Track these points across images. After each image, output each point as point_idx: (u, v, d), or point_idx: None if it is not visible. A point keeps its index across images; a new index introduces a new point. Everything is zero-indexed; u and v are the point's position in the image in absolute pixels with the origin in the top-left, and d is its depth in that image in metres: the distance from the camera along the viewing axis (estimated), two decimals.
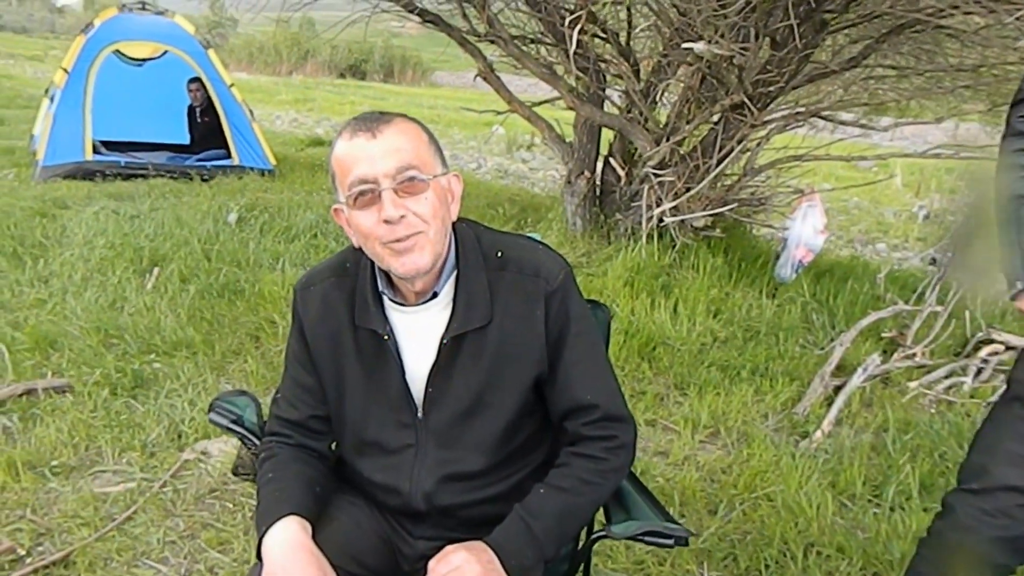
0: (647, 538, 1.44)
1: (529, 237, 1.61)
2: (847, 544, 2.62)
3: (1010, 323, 4.42)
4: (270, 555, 1.37)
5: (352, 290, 1.51)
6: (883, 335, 4.34)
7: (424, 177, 1.38)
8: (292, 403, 1.58)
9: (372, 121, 1.39)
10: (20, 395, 3.32)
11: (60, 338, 3.83)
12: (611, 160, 5.40)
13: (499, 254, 1.48)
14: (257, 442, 1.63)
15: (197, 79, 8.07)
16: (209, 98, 8.03)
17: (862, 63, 4.72)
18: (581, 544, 1.62)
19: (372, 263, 1.48)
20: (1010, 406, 1.74)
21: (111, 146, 7.81)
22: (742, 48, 4.16)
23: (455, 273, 1.47)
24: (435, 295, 1.47)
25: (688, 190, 4.79)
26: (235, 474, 1.79)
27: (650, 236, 4.89)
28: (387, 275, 1.48)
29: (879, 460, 3.24)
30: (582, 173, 5.36)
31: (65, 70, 7.58)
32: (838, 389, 3.78)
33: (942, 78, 4.87)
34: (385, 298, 1.49)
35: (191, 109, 8.42)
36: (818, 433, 3.42)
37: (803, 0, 3.82)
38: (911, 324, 4.34)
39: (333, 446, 1.63)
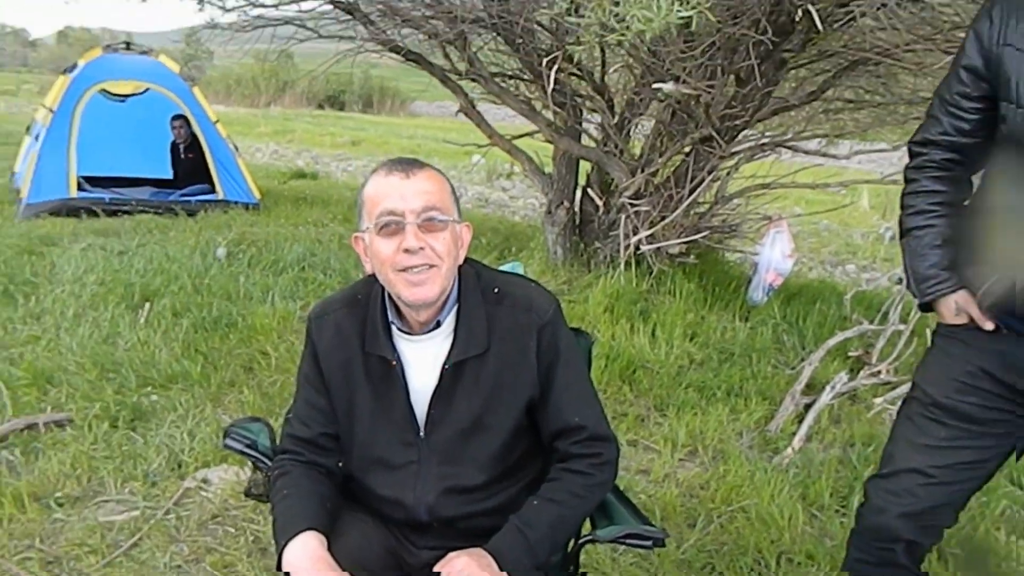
0: (628, 540, 1.61)
1: (521, 276, 1.79)
2: (816, 551, 2.79)
3: None
4: (294, 566, 1.51)
5: (363, 319, 1.68)
6: (850, 354, 4.49)
7: (444, 219, 1.58)
8: (304, 422, 1.73)
9: (407, 164, 1.60)
10: (21, 430, 3.37)
11: (57, 373, 3.89)
12: (589, 191, 5.57)
13: (496, 290, 1.67)
14: (271, 464, 1.77)
15: (181, 116, 8.19)
16: (193, 134, 8.14)
17: (821, 96, 4.95)
18: (570, 548, 1.78)
19: (383, 295, 1.66)
20: (910, 404, 1.97)
21: (94, 182, 7.86)
22: (708, 86, 4.37)
23: (456, 306, 1.65)
24: (439, 324, 1.64)
25: (663, 219, 4.96)
26: (247, 495, 1.91)
27: (628, 263, 5.04)
28: (396, 306, 1.65)
29: (846, 472, 3.41)
30: (561, 204, 5.54)
31: (50, 109, 7.68)
32: (808, 407, 3.92)
33: (896, 108, 5.12)
34: (394, 327, 1.66)
35: (174, 145, 8.49)
36: (789, 449, 3.58)
37: (762, 41, 4.04)
38: (876, 343, 4.51)
39: (340, 464, 1.76)
